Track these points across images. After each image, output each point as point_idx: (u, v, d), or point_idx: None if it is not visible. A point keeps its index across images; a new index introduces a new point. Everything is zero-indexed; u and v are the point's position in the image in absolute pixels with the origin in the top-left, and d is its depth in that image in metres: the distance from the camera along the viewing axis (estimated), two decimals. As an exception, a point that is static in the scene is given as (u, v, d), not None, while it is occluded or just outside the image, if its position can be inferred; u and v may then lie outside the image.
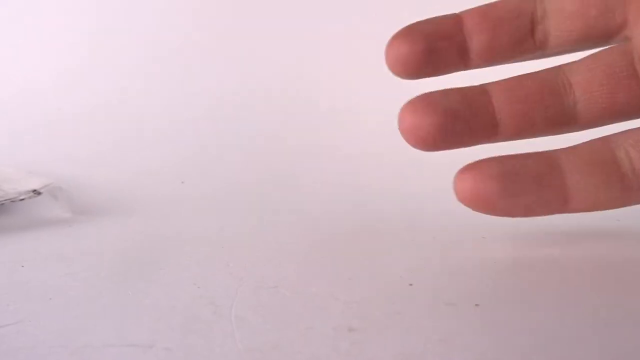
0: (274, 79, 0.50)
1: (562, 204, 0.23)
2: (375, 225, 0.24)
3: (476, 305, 0.18)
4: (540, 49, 0.23)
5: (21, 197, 0.30)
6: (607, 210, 0.23)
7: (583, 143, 0.23)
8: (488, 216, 0.23)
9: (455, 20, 0.23)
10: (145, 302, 0.19)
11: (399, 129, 0.23)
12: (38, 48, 0.53)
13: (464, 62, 0.23)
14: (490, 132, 0.23)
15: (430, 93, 0.23)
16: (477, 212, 0.23)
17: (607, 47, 0.23)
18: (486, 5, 0.23)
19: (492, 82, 0.23)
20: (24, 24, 0.53)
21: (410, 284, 0.20)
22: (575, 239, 0.24)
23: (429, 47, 0.23)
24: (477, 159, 0.23)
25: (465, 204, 0.23)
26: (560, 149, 0.23)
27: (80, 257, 0.24)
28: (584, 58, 0.23)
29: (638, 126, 0.23)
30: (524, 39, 0.23)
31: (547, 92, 0.23)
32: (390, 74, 0.24)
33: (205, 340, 0.16)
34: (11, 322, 0.18)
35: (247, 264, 0.23)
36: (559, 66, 0.23)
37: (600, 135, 0.23)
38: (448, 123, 0.22)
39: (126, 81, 0.51)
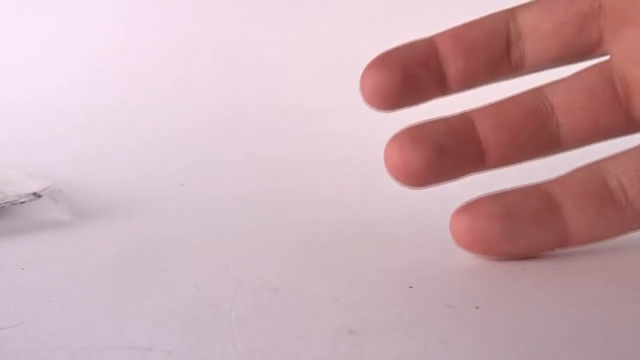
0: (274, 82, 0.50)
1: (562, 241, 0.22)
2: (375, 228, 0.24)
3: (476, 307, 0.18)
4: (516, 70, 0.23)
5: (21, 200, 0.30)
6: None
7: (573, 173, 0.23)
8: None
9: (429, 46, 0.23)
10: (145, 304, 0.19)
11: (386, 165, 0.23)
12: (39, 51, 0.53)
13: (441, 89, 0.23)
14: (478, 162, 0.23)
15: (415, 127, 0.23)
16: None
17: (586, 66, 0.23)
18: (458, 28, 0.23)
19: (475, 110, 0.23)
20: (24, 26, 0.54)
21: (410, 287, 0.20)
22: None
23: (405, 75, 0.22)
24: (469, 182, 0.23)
25: (463, 247, 0.22)
26: (552, 181, 0.23)
27: (80, 259, 0.24)
28: (564, 79, 0.23)
29: (624, 150, 0.23)
30: (500, 61, 0.23)
31: (531, 118, 0.23)
32: None
33: (205, 342, 0.16)
34: (11, 324, 0.18)
35: (246, 266, 0.23)
36: (540, 88, 0.23)
37: (586, 159, 0.23)
38: (437, 158, 0.22)
39: (127, 84, 0.51)
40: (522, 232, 0.22)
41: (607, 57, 0.23)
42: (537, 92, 0.23)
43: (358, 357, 0.15)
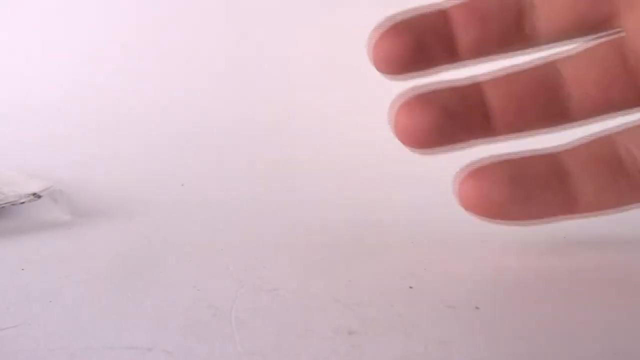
0: (274, 82, 0.50)
1: (570, 208, 0.22)
2: (375, 228, 0.24)
3: (476, 308, 0.18)
4: (529, 42, 0.23)
5: (21, 201, 0.30)
6: (609, 215, 0.23)
7: (584, 142, 0.23)
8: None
9: (440, 14, 0.23)
10: (145, 305, 0.19)
11: (393, 129, 0.22)
12: (39, 52, 0.53)
13: (452, 57, 0.23)
14: (485, 129, 0.23)
15: (423, 91, 0.22)
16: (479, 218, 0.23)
17: (599, 39, 0.23)
18: None
19: (484, 76, 0.23)
20: (24, 28, 0.54)
21: (411, 287, 0.20)
22: (575, 244, 0.24)
23: (417, 43, 0.22)
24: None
25: (471, 211, 0.22)
26: (562, 149, 0.23)
27: (80, 260, 0.24)
28: (577, 53, 0.23)
29: (635, 120, 0.23)
30: (513, 32, 0.23)
31: (542, 89, 0.22)
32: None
33: (205, 342, 0.16)
34: (11, 324, 0.18)
35: (247, 266, 0.23)
36: (552, 60, 0.23)
37: (596, 131, 0.23)
38: (446, 122, 0.22)
39: (127, 85, 0.51)
40: (531, 197, 0.22)
41: (620, 31, 0.22)
42: (548, 64, 0.23)
43: (358, 358, 0.15)
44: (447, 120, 0.22)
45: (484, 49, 0.23)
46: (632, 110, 0.23)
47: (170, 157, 0.44)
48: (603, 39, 0.23)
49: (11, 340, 0.17)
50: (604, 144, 0.22)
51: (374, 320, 0.18)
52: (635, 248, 0.24)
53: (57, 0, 0.53)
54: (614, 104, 0.22)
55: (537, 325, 0.17)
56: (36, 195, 0.31)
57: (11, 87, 0.51)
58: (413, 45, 0.22)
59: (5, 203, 0.30)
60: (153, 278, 0.22)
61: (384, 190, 0.34)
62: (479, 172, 0.22)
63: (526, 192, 0.22)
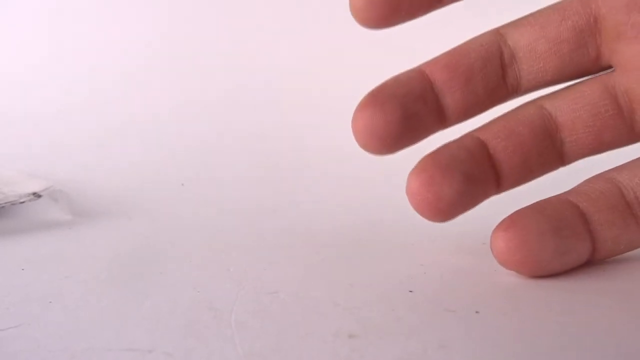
0: (275, 82, 0.50)
1: (592, 255, 0.22)
2: (376, 231, 0.24)
3: (476, 312, 0.18)
4: (514, 93, 0.23)
5: (21, 200, 0.30)
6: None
7: (591, 185, 0.22)
8: (489, 222, 0.23)
9: (421, 78, 0.22)
10: (146, 306, 0.19)
11: (411, 200, 0.22)
12: (38, 51, 0.53)
13: (441, 122, 0.22)
14: (496, 186, 0.23)
15: (438, 157, 0.22)
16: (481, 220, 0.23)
17: (589, 80, 0.23)
18: (449, 55, 0.22)
19: (483, 130, 0.23)
20: (23, 27, 0.54)
21: (411, 291, 0.20)
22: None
23: (405, 114, 0.21)
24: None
25: (511, 267, 0.21)
26: (573, 193, 0.22)
27: (80, 260, 0.24)
28: (567, 93, 0.23)
29: (635, 159, 0.23)
30: (497, 87, 0.22)
31: (540, 138, 0.22)
32: (394, 70, 0.23)
33: (205, 344, 0.16)
34: (11, 325, 0.18)
35: (247, 268, 0.23)
36: (542, 104, 0.23)
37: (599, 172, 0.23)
38: (467, 189, 0.22)
39: (126, 84, 0.51)
40: (570, 248, 0.21)
41: (609, 70, 0.22)
42: (541, 109, 0.23)
43: (358, 361, 0.15)
44: (470, 187, 0.22)
45: (471, 109, 0.23)
46: (622, 146, 0.23)
47: (170, 157, 0.44)
48: (593, 78, 0.23)
49: (11, 340, 0.17)
50: (612, 187, 0.22)
51: (374, 324, 0.18)
52: (636, 251, 0.24)
53: (59, 4, 0.53)
54: (605, 145, 0.23)
55: (537, 329, 0.17)
56: (36, 195, 0.31)
57: (12, 88, 0.51)
58: (400, 116, 0.21)
59: (6, 202, 0.30)
60: (153, 279, 0.22)
61: (384, 192, 0.34)
62: (518, 224, 0.21)
63: (566, 244, 0.21)
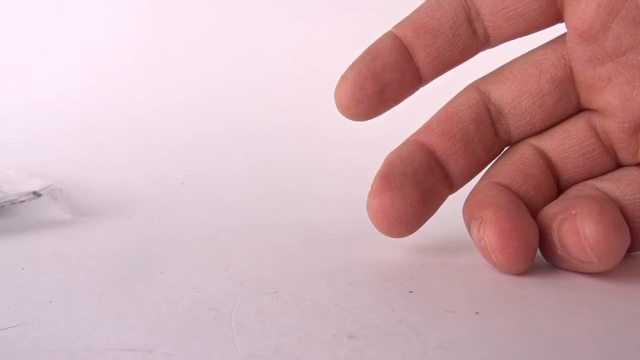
0: (274, 81, 0.50)
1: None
2: (376, 232, 0.24)
3: (476, 312, 0.18)
4: (506, 145, 0.25)
5: (21, 199, 0.30)
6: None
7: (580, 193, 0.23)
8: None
9: (423, 150, 0.23)
10: (146, 306, 0.19)
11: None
12: (38, 51, 0.53)
13: (450, 188, 0.24)
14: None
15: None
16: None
17: (573, 118, 0.24)
18: (441, 122, 0.24)
19: (498, 177, 0.24)
20: (23, 26, 0.54)
21: (411, 291, 0.20)
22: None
23: (421, 193, 0.23)
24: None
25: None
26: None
27: (80, 259, 0.24)
28: (555, 135, 0.24)
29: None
30: (493, 144, 0.24)
31: (547, 178, 0.23)
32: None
33: (205, 345, 0.16)
34: (11, 325, 0.18)
35: (247, 268, 0.23)
36: (533, 144, 0.24)
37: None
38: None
39: (127, 84, 0.51)
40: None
41: (590, 111, 0.23)
42: (532, 149, 0.24)
43: (358, 362, 0.15)
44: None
45: (474, 170, 0.24)
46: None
47: (170, 157, 0.44)
48: (577, 117, 0.24)
49: (11, 340, 0.17)
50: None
51: (374, 325, 0.18)
52: (637, 254, 0.24)
53: (59, 4, 0.53)
54: (594, 176, 0.24)
55: (537, 329, 0.17)
56: (36, 194, 0.31)
57: (12, 86, 0.51)
58: (418, 196, 0.23)
59: (6, 201, 0.30)
60: (153, 279, 0.22)
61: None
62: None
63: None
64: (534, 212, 0.23)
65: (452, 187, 0.24)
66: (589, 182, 0.23)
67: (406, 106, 0.25)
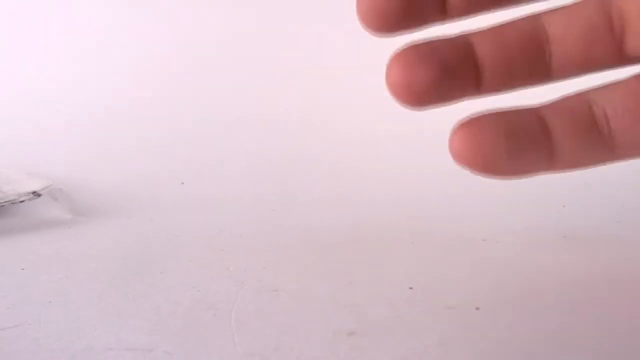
0: (274, 81, 0.50)
1: (551, 164, 0.22)
2: (375, 228, 0.24)
3: (476, 308, 0.18)
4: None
5: (21, 199, 0.30)
6: (606, 213, 0.23)
7: (564, 100, 0.23)
8: (488, 219, 0.23)
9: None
10: (146, 306, 0.19)
11: (388, 83, 0.21)
12: (38, 51, 0.53)
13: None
14: (476, 85, 0.22)
15: (420, 45, 0.21)
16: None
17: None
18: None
19: (475, 32, 0.22)
20: (23, 26, 0.53)
21: (410, 288, 0.20)
22: (575, 243, 0.24)
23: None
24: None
25: (464, 164, 0.21)
26: (544, 105, 0.23)
27: (80, 260, 0.24)
28: (563, 8, 0.22)
29: (613, 81, 0.23)
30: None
31: (528, 44, 0.22)
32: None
33: (205, 343, 0.16)
34: (11, 325, 0.18)
35: (247, 267, 0.23)
36: (538, 15, 0.22)
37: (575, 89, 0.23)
38: (443, 77, 0.21)
39: (126, 83, 0.51)
40: (523, 152, 0.22)
41: None
42: (535, 19, 0.22)
43: (358, 359, 0.15)
44: (445, 76, 0.22)
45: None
46: (609, 68, 0.23)
47: (170, 156, 0.44)
48: None
49: (11, 340, 0.17)
50: (582, 103, 0.23)
51: (374, 322, 0.18)
52: (636, 248, 0.24)
53: (59, 4, 0.53)
54: (593, 63, 0.22)
55: (537, 325, 0.17)
56: (36, 194, 0.31)
57: (11, 86, 0.51)
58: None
59: (5, 201, 0.30)
60: (153, 279, 0.22)
61: (384, 190, 0.34)
62: (474, 124, 0.22)
63: (519, 146, 0.22)
64: (494, 71, 0.22)
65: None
66: (581, 91, 0.23)
67: (411, 111, 0.24)
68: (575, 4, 0.23)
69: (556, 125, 0.22)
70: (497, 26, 0.23)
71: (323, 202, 0.34)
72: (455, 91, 0.22)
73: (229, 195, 0.36)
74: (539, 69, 0.23)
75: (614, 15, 0.22)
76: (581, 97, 0.23)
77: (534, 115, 0.22)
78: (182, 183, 0.38)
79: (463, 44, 0.22)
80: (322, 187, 0.36)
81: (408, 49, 0.22)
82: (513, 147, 0.22)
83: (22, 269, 0.23)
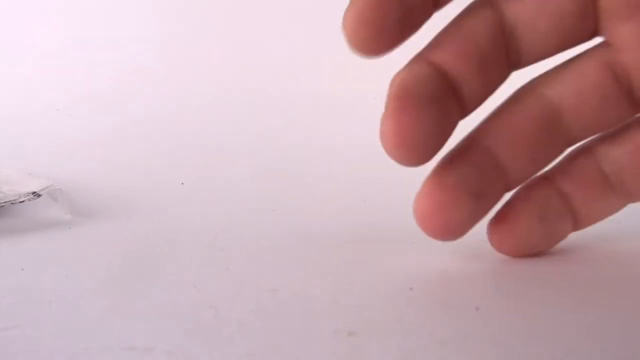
0: (273, 80, 0.50)
1: (574, 228, 0.23)
2: (375, 228, 0.24)
3: (476, 308, 0.18)
4: (513, 69, 0.22)
5: (21, 199, 0.30)
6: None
7: (570, 161, 0.23)
8: (487, 218, 0.23)
9: (439, 73, 0.21)
10: (145, 305, 0.19)
11: (422, 226, 0.21)
12: (37, 50, 0.53)
13: (462, 114, 0.22)
14: (503, 193, 0.23)
15: (443, 179, 0.21)
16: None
17: (586, 57, 0.22)
18: (456, 39, 0.21)
19: (483, 129, 0.22)
20: (23, 26, 0.54)
21: (411, 288, 0.20)
22: (575, 243, 0.24)
23: (438, 116, 0.20)
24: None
25: (502, 252, 0.23)
26: (554, 172, 0.23)
27: (80, 260, 0.24)
28: (568, 77, 0.22)
29: (614, 130, 0.23)
30: (503, 67, 0.22)
31: (547, 134, 0.22)
32: (393, 72, 0.22)
33: (205, 343, 0.16)
34: (11, 325, 0.18)
35: (247, 267, 0.23)
36: (542, 92, 0.22)
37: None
38: (477, 207, 0.21)
39: (126, 83, 0.51)
40: (556, 230, 0.23)
41: (602, 43, 0.22)
42: (542, 99, 0.22)
43: (358, 359, 0.15)
44: (479, 205, 0.21)
45: (486, 96, 0.22)
46: (624, 122, 0.23)
47: (170, 157, 0.44)
48: (590, 54, 0.22)
49: (11, 340, 0.17)
50: (590, 163, 0.23)
51: (374, 322, 0.18)
52: (636, 248, 0.24)
53: (58, 3, 0.53)
54: (609, 123, 0.22)
55: (537, 326, 0.17)
56: (36, 194, 0.31)
57: (12, 87, 0.51)
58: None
59: (5, 202, 0.30)
60: (153, 278, 0.22)
61: (384, 190, 0.34)
62: (510, 217, 0.23)
63: (553, 229, 0.23)
64: (518, 170, 0.22)
65: (464, 112, 0.22)
66: (585, 145, 0.23)
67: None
68: (578, 71, 0.22)
69: (573, 194, 0.23)
70: (504, 114, 0.22)
71: (323, 202, 0.34)
72: (488, 209, 0.22)
73: (229, 196, 0.36)
74: (559, 147, 0.23)
75: (619, 74, 0.21)
76: (588, 156, 0.23)
77: (555, 190, 0.23)
78: (182, 183, 0.38)
79: (485, 159, 0.22)
80: (322, 187, 0.36)
81: (434, 186, 0.21)
82: (548, 232, 0.23)
83: (22, 269, 0.23)
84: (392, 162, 0.25)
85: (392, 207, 0.32)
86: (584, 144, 0.23)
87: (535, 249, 0.23)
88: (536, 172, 0.23)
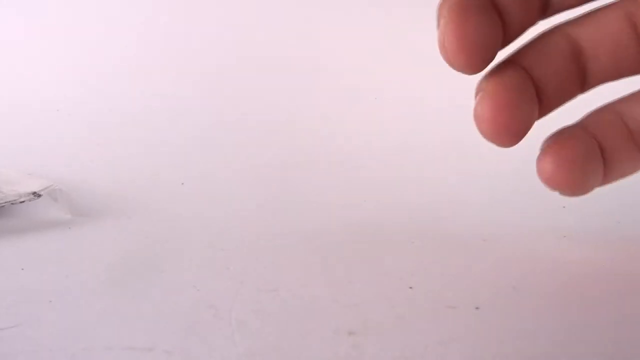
0: (275, 82, 0.50)
1: (605, 180, 0.23)
2: (375, 228, 0.24)
3: (476, 308, 0.18)
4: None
5: (21, 200, 0.30)
6: (606, 213, 0.23)
7: (596, 115, 0.23)
8: (488, 219, 0.23)
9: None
10: (145, 305, 0.19)
11: (480, 127, 0.22)
12: (37, 50, 0.53)
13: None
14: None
15: (503, 81, 0.22)
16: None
17: (610, 7, 0.22)
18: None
19: (522, 53, 0.23)
20: (23, 25, 0.54)
21: (411, 287, 0.20)
22: (575, 243, 0.24)
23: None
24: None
25: (554, 187, 0.22)
26: (585, 122, 0.23)
27: (80, 259, 0.24)
28: (591, 23, 0.23)
29: (636, 91, 0.23)
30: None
31: (571, 66, 0.22)
32: (393, 72, 0.23)
33: (205, 343, 0.16)
34: (11, 325, 0.18)
35: (247, 266, 0.23)
36: (567, 32, 0.23)
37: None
38: (534, 109, 0.22)
39: (126, 83, 0.51)
40: (598, 172, 0.23)
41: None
42: (566, 35, 0.23)
43: (358, 358, 0.15)
44: (533, 108, 0.22)
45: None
46: (637, 74, 0.23)
47: (170, 157, 0.44)
48: (614, 6, 0.22)
49: (11, 340, 0.17)
50: (614, 117, 0.23)
51: (374, 321, 0.18)
52: (636, 248, 0.24)
53: (58, 3, 0.53)
54: (622, 72, 0.23)
55: (537, 325, 0.17)
56: (36, 194, 0.31)
57: (11, 86, 0.51)
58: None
59: (5, 202, 0.30)
60: (153, 278, 0.22)
61: (384, 190, 0.34)
62: (563, 150, 0.22)
63: (595, 167, 0.22)
64: (550, 95, 0.22)
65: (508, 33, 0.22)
66: (609, 105, 0.23)
67: (410, 110, 0.24)
68: (600, 18, 0.22)
69: (604, 142, 0.22)
70: (541, 47, 0.23)
71: (323, 202, 0.34)
72: (534, 119, 0.22)
73: (230, 196, 0.35)
74: (577, 84, 0.23)
75: (636, 22, 0.22)
76: (611, 111, 0.23)
77: (590, 136, 0.23)
78: (182, 184, 0.38)
79: (525, 75, 0.22)
80: (322, 187, 0.36)
81: (496, 87, 0.22)
82: (592, 170, 0.22)
83: (22, 269, 0.23)
84: (392, 162, 0.25)
85: (392, 207, 0.32)
86: (607, 104, 0.23)
87: (585, 188, 0.22)
88: (559, 104, 0.23)
